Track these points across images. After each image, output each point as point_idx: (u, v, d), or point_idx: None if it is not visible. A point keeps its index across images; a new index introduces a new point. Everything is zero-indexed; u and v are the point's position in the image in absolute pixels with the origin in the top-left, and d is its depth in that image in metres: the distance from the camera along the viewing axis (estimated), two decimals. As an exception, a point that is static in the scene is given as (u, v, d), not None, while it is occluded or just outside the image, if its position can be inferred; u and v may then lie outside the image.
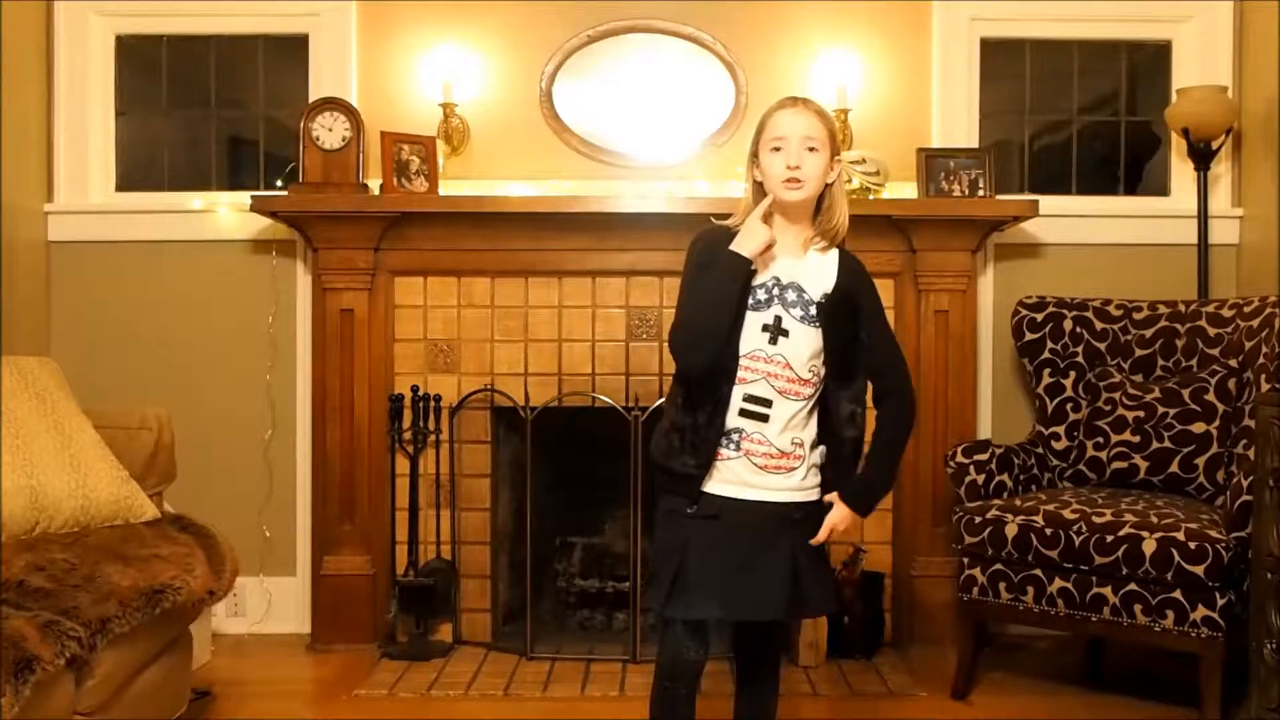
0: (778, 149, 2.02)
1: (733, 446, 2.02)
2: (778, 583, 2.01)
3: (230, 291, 3.63)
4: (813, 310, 2.02)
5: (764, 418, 2.01)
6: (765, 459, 2.02)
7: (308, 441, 3.56)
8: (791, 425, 2.02)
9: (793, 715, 2.88)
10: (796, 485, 2.04)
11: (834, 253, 2.09)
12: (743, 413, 2.01)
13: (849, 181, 3.39)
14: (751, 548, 2.01)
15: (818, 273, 2.06)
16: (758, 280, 2.03)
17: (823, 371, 2.05)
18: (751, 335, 2.02)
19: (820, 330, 2.02)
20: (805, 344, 2.02)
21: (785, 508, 2.03)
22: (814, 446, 2.07)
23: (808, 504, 2.06)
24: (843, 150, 3.47)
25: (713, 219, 2.13)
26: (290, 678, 3.24)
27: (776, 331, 2.01)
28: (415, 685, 3.09)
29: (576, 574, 3.64)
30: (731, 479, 2.03)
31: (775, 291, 2.03)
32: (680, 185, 3.56)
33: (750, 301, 2.02)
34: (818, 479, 2.08)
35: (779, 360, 2.01)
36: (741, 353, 2.01)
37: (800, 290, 2.03)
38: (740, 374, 2.01)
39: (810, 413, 2.05)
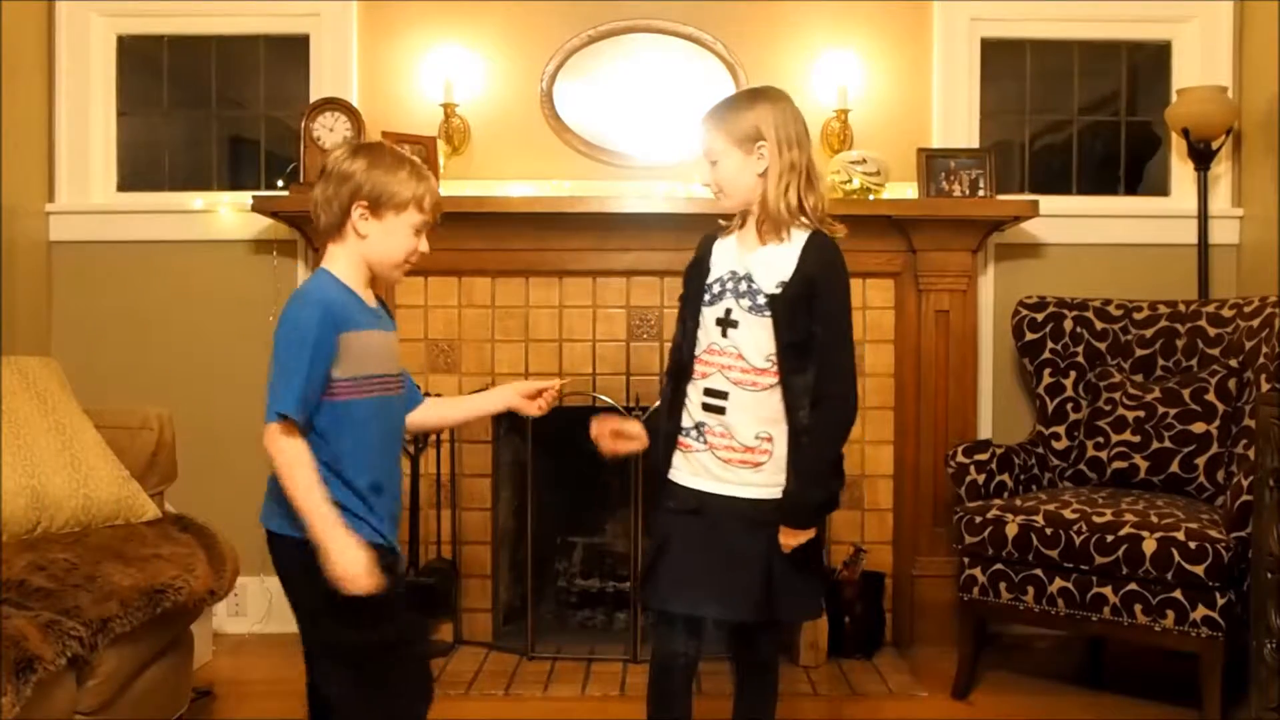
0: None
1: (701, 440, 2.05)
2: (750, 584, 2.01)
3: (231, 291, 3.63)
4: (761, 300, 2.01)
5: (720, 410, 2.03)
6: (729, 453, 2.03)
7: (309, 441, 3.56)
8: (757, 418, 2.02)
9: (793, 715, 2.89)
10: (766, 481, 2.02)
11: (798, 242, 2.03)
12: (704, 407, 2.05)
13: (849, 182, 3.39)
14: (726, 546, 2.02)
15: (773, 263, 2.03)
16: (713, 276, 2.08)
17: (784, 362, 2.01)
18: (707, 330, 2.06)
19: (771, 320, 2.00)
20: (756, 334, 2.01)
21: (757, 505, 2.02)
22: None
23: (778, 501, 2.03)
24: (842, 150, 3.50)
25: (720, 220, 2.16)
26: (291, 678, 3.20)
27: (726, 324, 2.03)
28: (416, 685, 3.09)
29: (577, 574, 3.64)
30: (701, 472, 2.06)
31: (729, 285, 2.05)
32: (681, 185, 3.56)
33: (706, 298, 2.07)
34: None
35: (731, 352, 2.03)
36: (699, 351, 2.06)
37: (751, 281, 2.03)
38: (700, 369, 2.06)
39: (780, 405, 2.02)
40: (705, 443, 2.05)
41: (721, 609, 2.04)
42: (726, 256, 2.09)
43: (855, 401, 2.04)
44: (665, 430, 2.10)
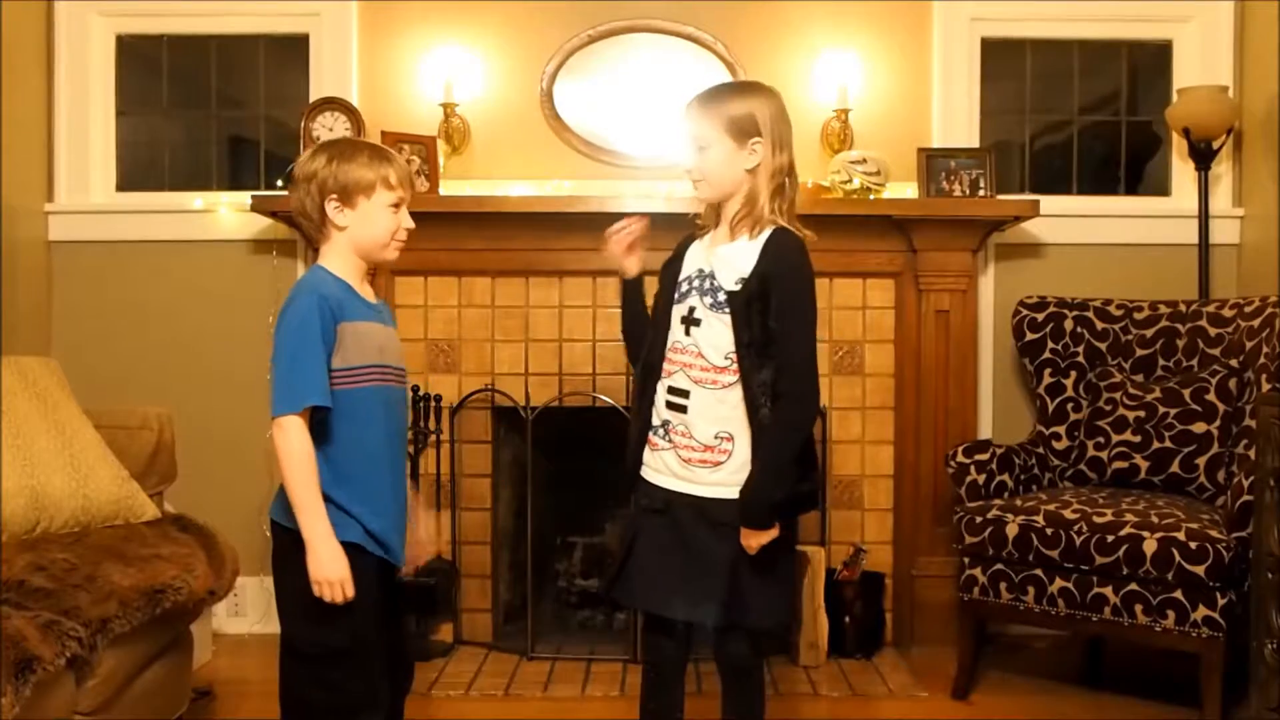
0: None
1: (666, 439, 2.06)
2: (713, 586, 2.00)
3: (231, 291, 3.63)
4: (721, 297, 2.00)
5: (683, 408, 2.03)
6: (689, 451, 2.03)
7: (308, 441, 3.56)
8: (716, 417, 2.01)
9: (793, 715, 2.89)
10: (725, 480, 2.01)
11: (762, 237, 2.01)
12: (668, 405, 2.05)
13: (849, 182, 3.39)
14: (690, 547, 2.02)
15: (735, 260, 2.01)
16: (683, 275, 2.09)
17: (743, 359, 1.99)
18: (673, 329, 2.07)
19: (730, 318, 1.99)
20: (716, 333, 2.00)
21: (720, 506, 2.01)
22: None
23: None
24: (842, 150, 3.50)
25: (696, 220, 2.17)
26: (291, 677, 3.24)
27: (689, 322, 2.04)
28: (416, 685, 3.06)
29: (577, 574, 3.64)
30: (664, 470, 2.07)
31: (696, 282, 2.06)
32: (681, 185, 3.55)
33: (675, 296, 2.08)
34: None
35: (692, 350, 2.03)
36: (666, 349, 2.07)
37: (713, 279, 2.03)
38: (666, 367, 2.06)
39: (742, 404, 2.01)
40: (670, 441, 2.06)
41: (685, 609, 2.04)
42: (697, 255, 2.11)
43: (815, 398, 2.01)
44: (639, 430, 2.11)
